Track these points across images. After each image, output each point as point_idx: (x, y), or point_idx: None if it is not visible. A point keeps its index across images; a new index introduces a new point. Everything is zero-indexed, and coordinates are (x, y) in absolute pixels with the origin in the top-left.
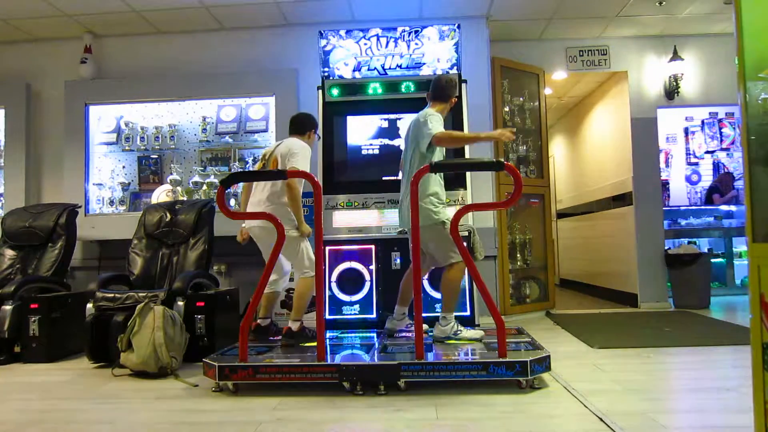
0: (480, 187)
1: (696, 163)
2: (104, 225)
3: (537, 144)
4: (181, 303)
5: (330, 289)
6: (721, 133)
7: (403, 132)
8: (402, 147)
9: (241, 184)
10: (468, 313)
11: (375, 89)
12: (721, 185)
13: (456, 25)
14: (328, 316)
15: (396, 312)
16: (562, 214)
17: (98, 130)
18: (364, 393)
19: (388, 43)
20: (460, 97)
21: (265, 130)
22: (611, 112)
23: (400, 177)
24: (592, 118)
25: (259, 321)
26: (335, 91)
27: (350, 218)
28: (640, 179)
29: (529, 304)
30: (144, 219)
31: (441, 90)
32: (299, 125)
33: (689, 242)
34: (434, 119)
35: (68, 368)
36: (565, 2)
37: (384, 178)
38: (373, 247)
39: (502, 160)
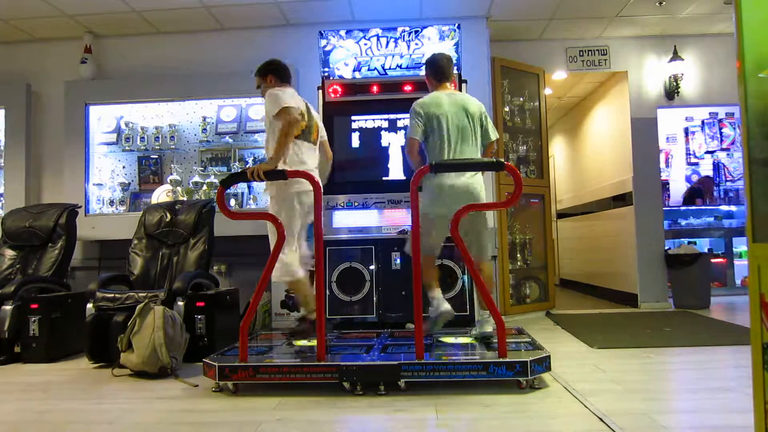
0: None
1: (696, 164)
2: (104, 225)
3: (537, 144)
4: (181, 303)
5: (330, 289)
6: (721, 133)
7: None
8: (449, 121)
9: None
10: (468, 313)
11: (375, 89)
12: (704, 187)
13: (456, 25)
14: (328, 316)
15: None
16: (562, 214)
17: (98, 130)
18: (364, 393)
19: (388, 43)
20: (460, 88)
21: (265, 130)
22: (611, 112)
23: (445, 150)
24: (592, 118)
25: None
26: (335, 92)
27: (350, 218)
28: (640, 179)
29: (529, 304)
30: (144, 219)
31: (448, 70)
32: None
33: (689, 242)
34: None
35: (68, 368)
36: (565, 2)
37: (384, 178)
38: (373, 247)
39: (502, 160)
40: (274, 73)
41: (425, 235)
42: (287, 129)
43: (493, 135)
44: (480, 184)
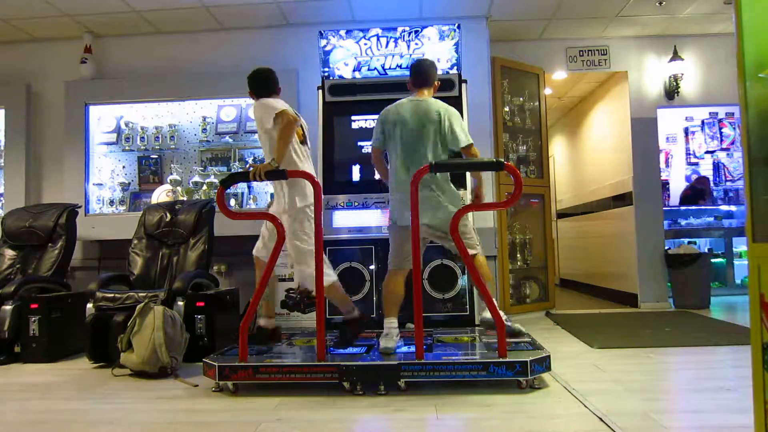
0: None
1: (696, 163)
2: (104, 225)
3: (537, 144)
4: (181, 303)
5: None
6: (721, 133)
7: None
8: (404, 129)
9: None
10: (468, 313)
11: (375, 89)
12: (705, 187)
13: (456, 25)
14: (328, 316)
15: (387, 326)
16: (562, 214)
17: (98, 130)
18: (364, 393)
19: (388, 43)
20: (460, 96)
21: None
22: (611, 112)
23: (397, 165)
24: (592, 118)
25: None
26: (335, 92)
27: (350, 218)
28: (640, 179)
29: (529, 304)
30: (144, 219)
31: (427, 75)
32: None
33: (689, 242)
34: (463, 123)
35: (68, 368)
36: (565, 2)
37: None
38: (373, 247)
39: (502, 160)
40: (265, 86)
41: (393, 244)
42: (288, 130)
43: (463, 141)
44: (436, 198)
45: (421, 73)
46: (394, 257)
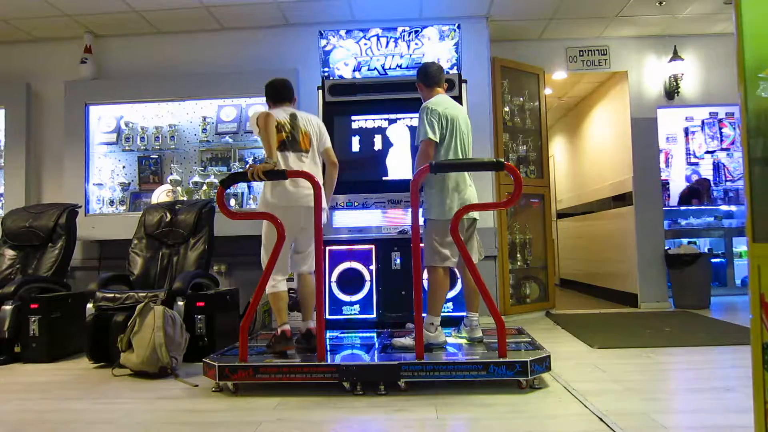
0: (480, 187)
1: (696, 163)
2: (104, 225)
3: (537, 144)
4: (181, 303)
5: (330, 289)
6: (721, 133)
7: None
8: (461, 125)
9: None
10: (467, 313)
11: (375, 89)
12: (702, 188)
13: (456, 25)
14: (328, 316)
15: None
16: (562, 214)
17: (98, 130)
18: (364, 393)
19: (388, 43)
20: (460, 96)
21: None
22: (611, 112)
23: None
24: (592, 118)
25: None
26: (335, 92)
27: (350, 218)
28: (640, 179)
29: (529, 304)
30: (144, 219)
31: (441, 74)
32: (291, 91)
33: (689, 242)
34: None
35: (68, 368)
36: (565, 2)
37: (384, 178)
38: (373, 247)
39: (502, 160)
40: (266, 97)
41: (441, 243)
42: (264, 126)
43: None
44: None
45: (435, 73)
46: (452, 253)
